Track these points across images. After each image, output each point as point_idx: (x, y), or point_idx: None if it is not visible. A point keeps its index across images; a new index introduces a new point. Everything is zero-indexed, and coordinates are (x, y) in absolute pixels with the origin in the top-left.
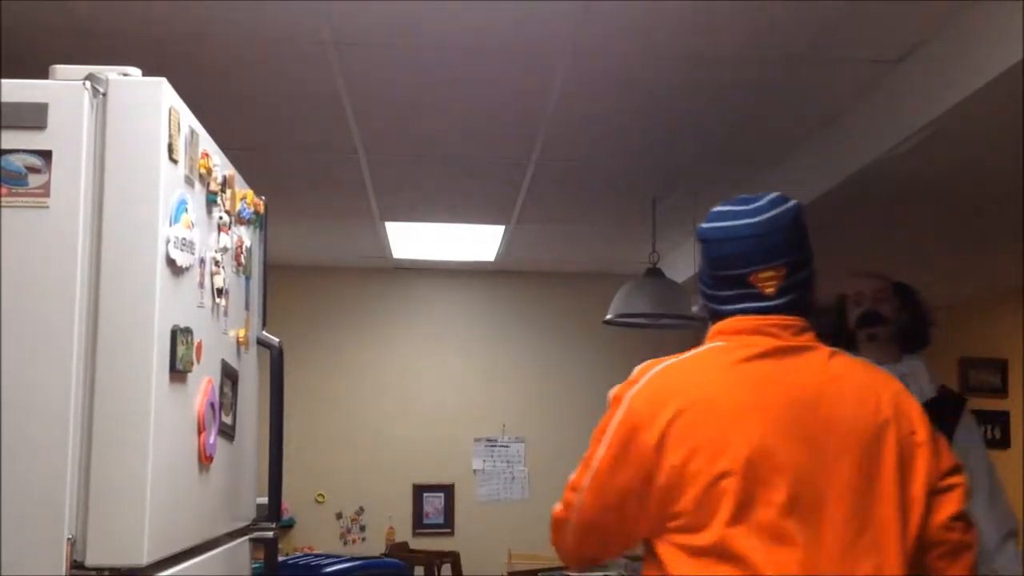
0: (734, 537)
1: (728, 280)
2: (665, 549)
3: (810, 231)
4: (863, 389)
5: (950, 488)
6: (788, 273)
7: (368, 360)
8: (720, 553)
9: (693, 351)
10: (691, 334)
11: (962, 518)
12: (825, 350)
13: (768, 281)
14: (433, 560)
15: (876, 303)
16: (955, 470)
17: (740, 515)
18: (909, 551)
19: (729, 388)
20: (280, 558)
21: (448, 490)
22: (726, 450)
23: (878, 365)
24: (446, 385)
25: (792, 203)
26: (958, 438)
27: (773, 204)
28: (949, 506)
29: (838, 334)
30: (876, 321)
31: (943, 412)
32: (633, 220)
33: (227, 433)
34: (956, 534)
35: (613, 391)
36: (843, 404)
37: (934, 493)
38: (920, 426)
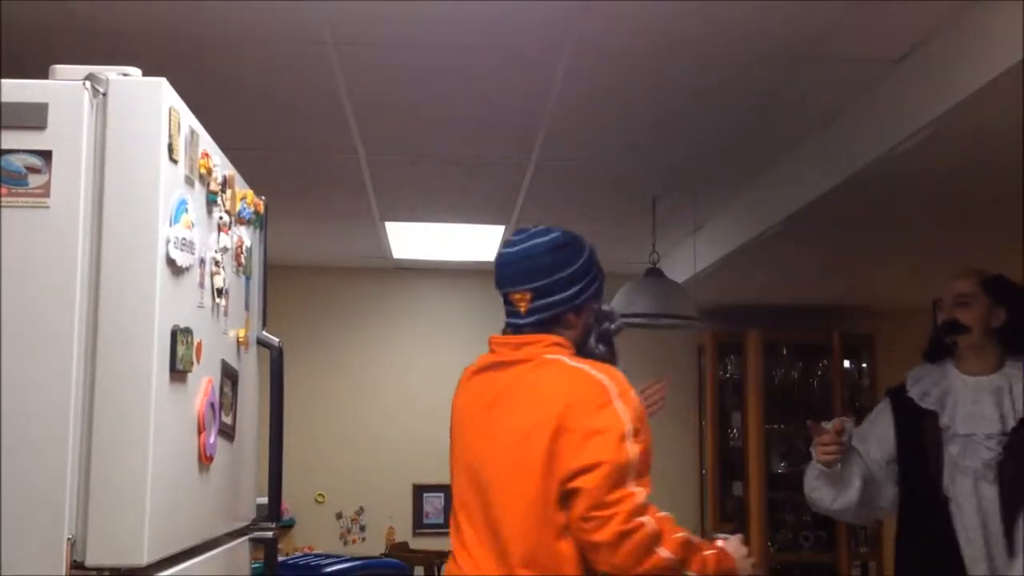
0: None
1: (502, 297)
2: None
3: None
4: (541, 395)
5: (576, 491)
6: (534, 297)
7: (368, 360)
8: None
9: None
10: (691, 333)
11: (591, 519)
12: (537, 362)
13: (519, 302)
14: (433, 560)
15: (954, 310)
16: (587, 470)
17: (454, 512)
18: (550, 540)
19: (462, 396)
20: (280, 558)
21: (448, 490)
22: (453, 452)
23: (972, 377)
24: (446, 385)
25: (548, 237)
26: None
27: (531, 236)
28: (576, 507)
29: (933, 340)
30: (953, 330)
31: None
32: (633, 220)
33: (227, 433)
34: (585, 535)
35: None
36: (515, 409)
37: (567, 493)
38: (577, 425)
